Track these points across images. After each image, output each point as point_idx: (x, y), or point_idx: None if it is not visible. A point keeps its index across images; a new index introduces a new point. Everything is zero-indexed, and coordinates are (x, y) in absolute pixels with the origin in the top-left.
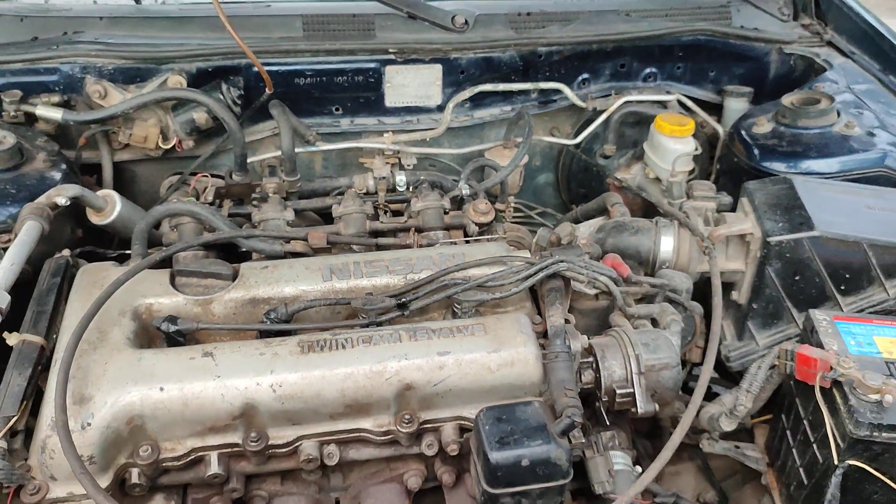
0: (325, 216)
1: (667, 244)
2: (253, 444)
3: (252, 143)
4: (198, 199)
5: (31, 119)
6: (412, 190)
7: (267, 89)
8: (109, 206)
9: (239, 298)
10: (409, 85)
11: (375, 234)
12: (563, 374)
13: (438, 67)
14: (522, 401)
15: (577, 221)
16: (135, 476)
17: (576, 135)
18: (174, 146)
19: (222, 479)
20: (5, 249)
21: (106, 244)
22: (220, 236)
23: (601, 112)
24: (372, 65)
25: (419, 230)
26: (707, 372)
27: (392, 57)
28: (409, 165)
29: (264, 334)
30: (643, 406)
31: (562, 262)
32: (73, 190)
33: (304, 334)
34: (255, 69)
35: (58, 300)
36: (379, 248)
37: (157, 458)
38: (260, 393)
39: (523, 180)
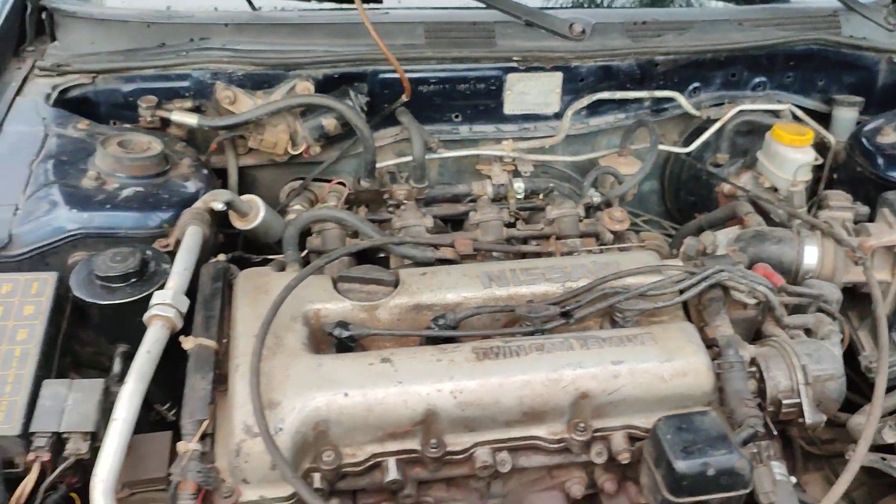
0: (449, 223)
1: (811, 254)
2: (433, 450)
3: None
4: (313, 204)
5: (164, 124)
6: (543, 197)
7: (404, 96)
8: (254, 212)
9: (403, 305)
10: (529, 93)
11: (511, 241)
12: (738, 385)
13: (559, 75)
14: (699, 410)
15: (700, 230)
16: (317, 481)
17: (686, 143)
18: (302, 152)
19: (400, 485)
20: (171, 254)
21: (229, 250)
22: (373, 242)
23: (714, 120)
24: (495, 72)
25: (558, 238)
26: (881, 384)
27: (515, 65)
28: (525, 173)
29: (429, 340)
30: (811, 417)
31: (722, 271)
32: (227, 195)
33: (477, 341)
34: (381, 76)
35: (222, 305)
36: (522, 255)
37: (339, 464)
38: (441, 399)
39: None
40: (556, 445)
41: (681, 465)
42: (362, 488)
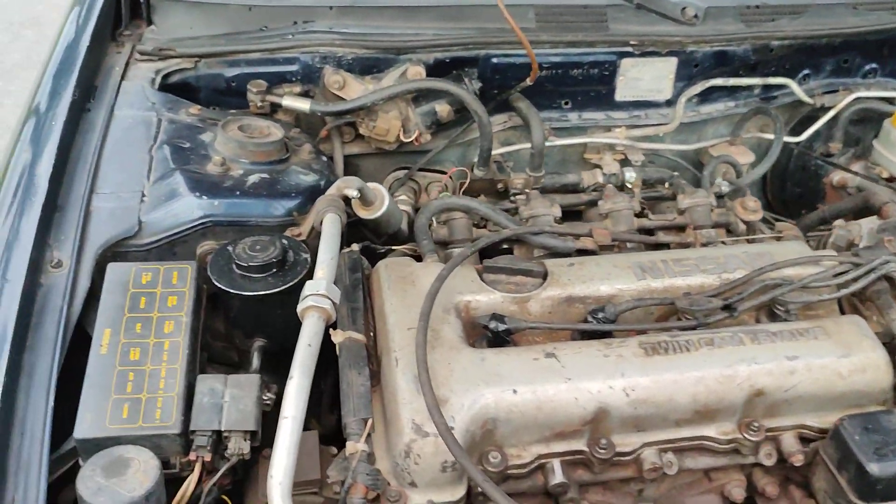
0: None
1: None
2: (602, 451)
3: (471, 141)
4: (417, 195)
5: (272, 110)
6: (667, 186)
7: (528, 80)
8: (379, 201)
9: (555, 297)
10: (643, 78)
11: (643, 231)
12: None
13: (674, 61)
14: (882, 410)
15: (823, 222)
16: None
17: (795, 132)
18: (413, 139)
19: (565, 488)
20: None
21: None
22: (513, 232)
23: (827, 108)
24: (609, 57)
25: (682, 228)
26: None
27: (630, 49)
28: (636, 162)
29: (582, 334)
30: None
31: (889, 262)
32: (358, 182)
33: (644, 336)
34: (494, 61)
35: (364, 296)
36: (658, 245)
37: (505, 466)
38: (612, 397)
39: None
40: (725, 446)
41: (874, 468)
42: (522, 492)
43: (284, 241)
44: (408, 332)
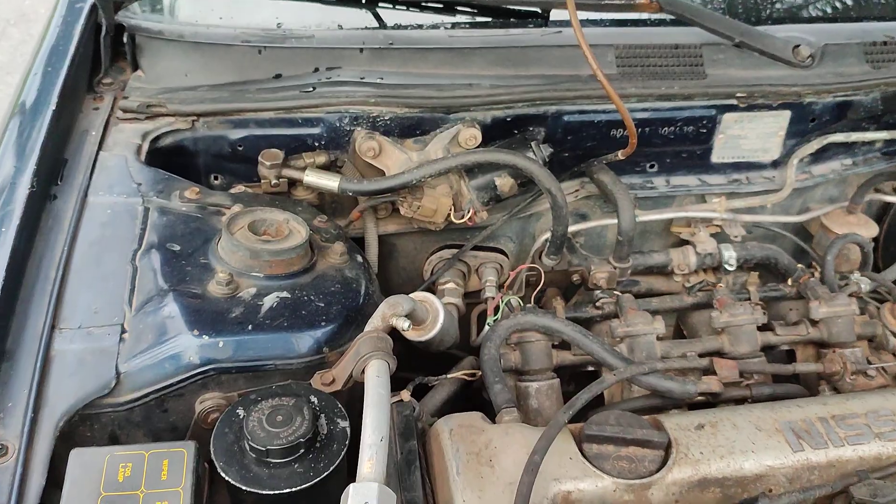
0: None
1: None
2: None
3: (532, 214)
4: (466, 279)
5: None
6: (791, 283)
7: (621, 152)
8: (431, 318)
9: (685, 480)
10: (747, 136)
11: (768, 350)
12: None
13: (787, 115)
14: None
15: None
16: None
17: None
18: (466, 219)
19: None
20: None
21: None
22: (621, 375)
23: None
24: (709, 112)
25: (823, 345)
26: None
27: (734, 102)
28: (735, 237)
29: None
30: None
31: None
32: (408, 305)
33: None
34: (566, 118)
35: (422, 478)
36: (793, 378)
37: None
38: None
39: None
40: None
41: None
42: None
43: (314, 402)
44: None
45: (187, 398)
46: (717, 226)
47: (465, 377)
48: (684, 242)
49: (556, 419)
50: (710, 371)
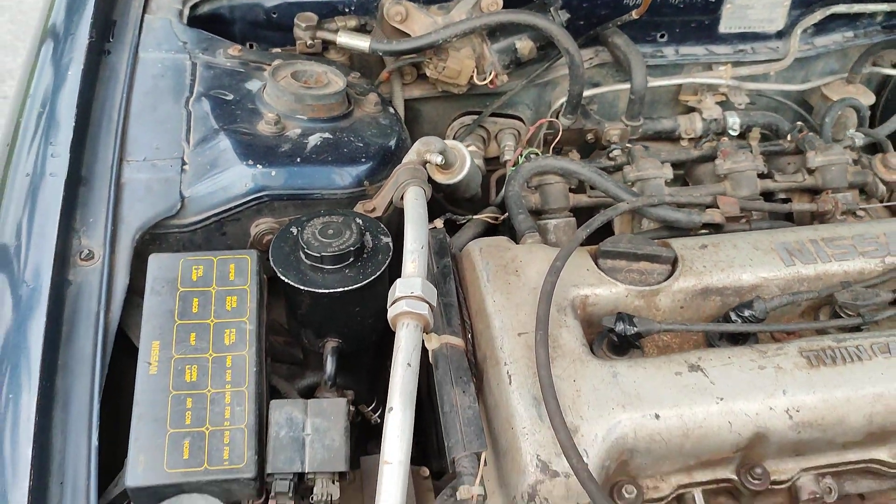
0: None
1: None
2: (756, 481)
3: (548, 81)
4: (486, 143)
5: (324, 47)
6: (789, 139)
7: (635, 13)
8: (459, 163)
9: (689, 288)
10: (754, 6)
11: (767, 195)
12: None
13: None
14: None
15: None
16: None
17: None
18: (488, 81)
19: None
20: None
21: None
22: (632, 205)
23: None
24: None
25: (817, 192)
26: None
27: None
28: (739, 105)
29: (716, 335)
30: None
31: None
32: (440, 144)
33: (803, 341)
34: None
35: (456, 288)
36: (789, 217)
37: (641, 501)
38: (773, 420)
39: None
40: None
41: None
42: None
43: (360, 222)
44: (519, 338)
45: (243, 222)
46: (722, 94)
47: (489, 219)
48: (691, 111)
49: (576, 235)
50: (714, 207)
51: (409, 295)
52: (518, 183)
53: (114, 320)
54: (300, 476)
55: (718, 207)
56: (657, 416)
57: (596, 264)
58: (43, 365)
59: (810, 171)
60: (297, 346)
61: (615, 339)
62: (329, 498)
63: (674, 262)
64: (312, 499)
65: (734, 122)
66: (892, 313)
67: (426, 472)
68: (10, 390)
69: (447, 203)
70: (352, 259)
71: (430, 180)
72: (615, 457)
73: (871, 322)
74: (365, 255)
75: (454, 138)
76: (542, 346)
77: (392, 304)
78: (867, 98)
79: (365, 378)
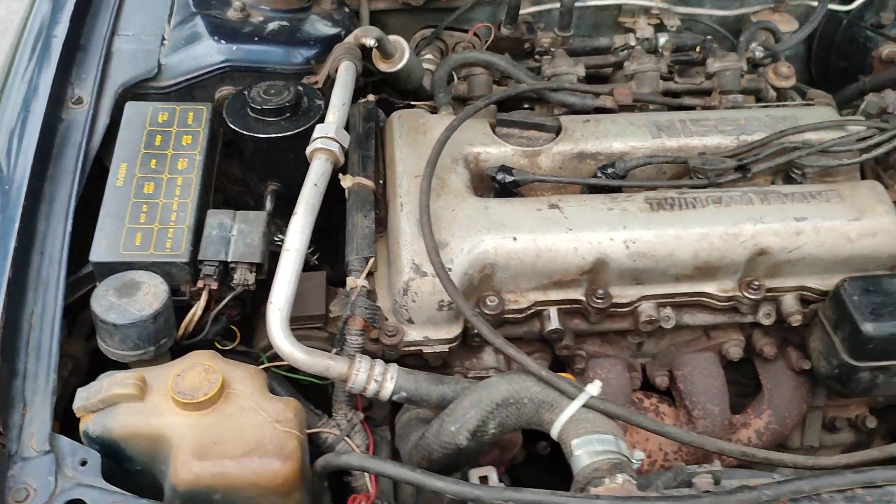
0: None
1: None
2: (598, 301)
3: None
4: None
5: None
6: (699, 51)
7: None
8: (399, 54)
9: (567, 152)
10: None
11: (669, 94)
12: None
13: None
14: (887, 273)
15: (862, 94)
16: None
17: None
18: None
19: (560, 335)
20: (320, 90)
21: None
22: (531, 86)
23: None
24: None
25: (708, 93)
26: None
27: None
28: (671, 27)
29: (592, 190)
30: None
31: None
32: (377, 32)
33: (651, 192)
34: None
35: (376, 145)
36: (682, 109)
37: (502, 310)
38: (613, 248)
39: None
40: (724, 304)
41: (868, 328)
42: (519, 337)
43: (300, 87)
44: (415, 179)
45: (209, 88)
46: (657, 16)
47: (425, 107)
48: (630, 31)
49: (475, 104)
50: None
51: (324, 136)
52: (444, 70)
53: (94, 148)
54: (225, 265)
55: (613, 96)
56: (515, 239)
57: (493, 131)
58: (33, 172)
59: (709, 76)
60: (248, 194)
61: (497, 186)
62: (245, 282)
63: (558, 132)
64: (233, 282)
65: (666, 41)
66: (733, 177)
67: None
68: (5, 183)
69: (393, 90)
70: (288, 114)
71: (378, 71)
72: (477, 268)
73: (715, 183)
74: (300, 112)
75: (415, 48)
76: (427, 180)
77: (311, 142)
78: (790, 25)
79: None
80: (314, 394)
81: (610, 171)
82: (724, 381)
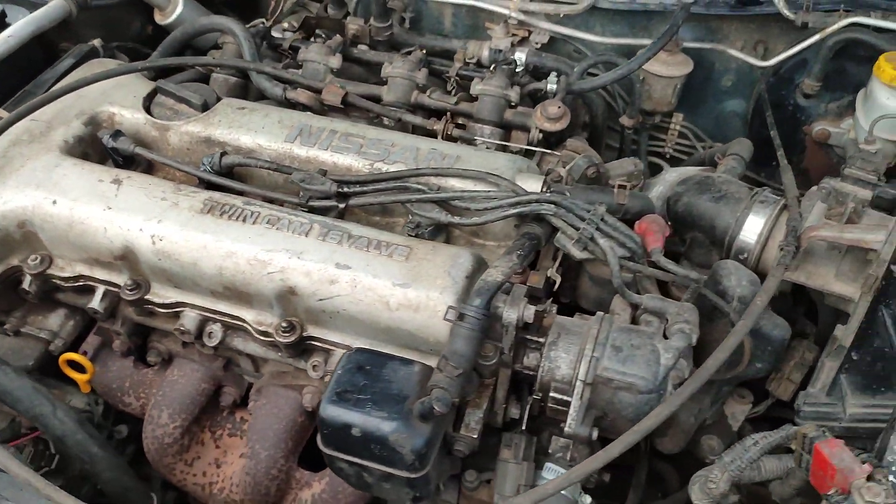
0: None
1: (753, 227)
2: (129, 291)
3: None
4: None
5: None
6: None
7: None
8: (171, 6)
9: (195, 134)
10: None
11: (417, 108)
12: (459, 344)
13: None
14: (402, 357)
15: (702, 164)
16: (26, 283)
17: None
18: None
19: (101, 316)
20: None
21: None
22: (237, 62)
23: (816, 32)
24: None
25: (467, 117)
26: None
27: None
28: (537, 44)
29: (208, 182)
30: (574, 426)
31: (550, 202)
32: None
33: (223, 194)
34: None
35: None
36: (400, 124)
37: (44, 270)
38: (139, 240)
39: (707, 104)
40: (262, 338)
41: (327, 410)
42: (68, 303)
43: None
44: (27, 121)
45: None
46: (524, 29)
47: None
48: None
49: (135, 63)
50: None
51: None
52: (184, 31)
53: None
54: None
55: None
56: (54, 202)
57: (150, 97)
58: None
59: (472, 98)
60: None
61: (111, 153)
62: None
63: (204, 110)
64: None
65: (521, 57)
66: (327, 204)
67: None
68: None
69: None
70: None
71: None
72: (14, 221)
73: (307, 204)
74: None
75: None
76: (14, 115)
77: None
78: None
79: None
80: None
81: (209, 161)
82: (295, 427)
